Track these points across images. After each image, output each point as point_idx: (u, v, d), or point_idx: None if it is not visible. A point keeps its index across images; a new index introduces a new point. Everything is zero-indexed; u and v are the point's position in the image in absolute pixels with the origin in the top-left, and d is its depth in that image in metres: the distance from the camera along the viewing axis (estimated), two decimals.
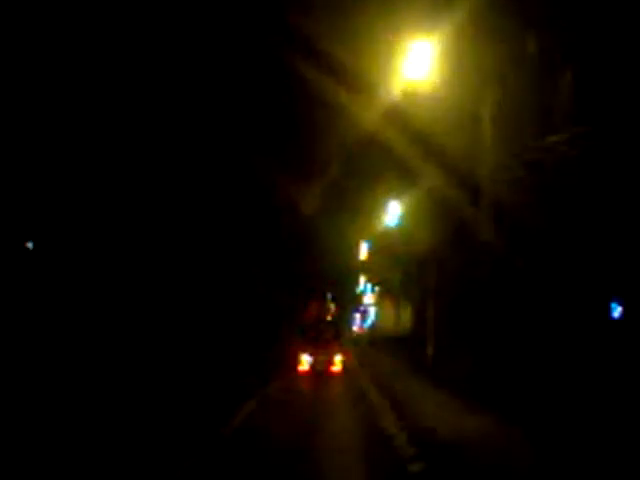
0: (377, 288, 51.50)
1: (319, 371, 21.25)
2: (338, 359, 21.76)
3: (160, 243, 23.52)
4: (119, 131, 20.77)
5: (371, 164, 25.94)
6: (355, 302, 60.97)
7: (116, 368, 15.40)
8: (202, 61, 22.13)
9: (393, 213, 26.89)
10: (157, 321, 21.81)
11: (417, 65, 14.20)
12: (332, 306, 25.25)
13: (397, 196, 26.17)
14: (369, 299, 57.45)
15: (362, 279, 57.85)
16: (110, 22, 18.74)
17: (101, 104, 19.90)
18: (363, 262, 46.00)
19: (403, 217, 26.16)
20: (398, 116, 19.02)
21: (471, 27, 14.50)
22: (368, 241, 38.97)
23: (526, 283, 16.40)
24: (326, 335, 22.83)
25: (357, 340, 49.43)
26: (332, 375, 21.06)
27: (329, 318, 24.24)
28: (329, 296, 25.83)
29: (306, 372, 21.26)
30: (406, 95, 15.41)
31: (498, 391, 14.00)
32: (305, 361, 21.68)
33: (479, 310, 17.17)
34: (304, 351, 21.90)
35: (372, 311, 55.38)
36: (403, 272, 30.88)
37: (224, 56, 22.60)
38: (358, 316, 64.59)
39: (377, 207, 28.53)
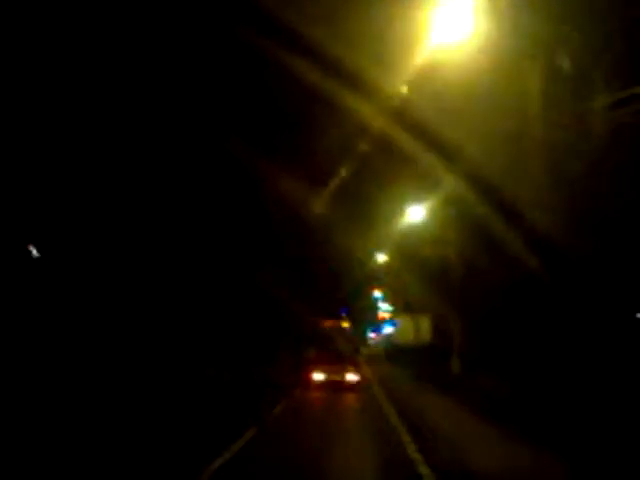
0: (392, 307, 49.84)
1: (333, 388, 19.18)
2: (354, 378, 19.67)
3: (155, 240, 22.35)
4: (113, 128, 19.73)
5: (385, 166, 23.87)
6: (370, 315, 59.08)
7: (98, 385, 14.47)
8: (206, 56, 20.79)
9: (412, 218, 24.97)
10: (150, 325, 20.69)
11: (445, 36, 11.84)
12: (347, 322, 23.39)
13: (416, 200, 24.22)
14: (385, 314, 55.62)
15: (378, 295, 56.20)
16: (99, 20, 17.57)
17: (93, 101, 18.87)
18: (378, 272, 44.16)
19: (423, 222, 24.28)
20: (412, 113, 16.98)
21: None
22: (384, 249, 37.10)
23: (562, 297, 14.68)
24: (341, 353, 20.62)
25: (372, 355, 47.54)
26: (347, 395, 18.89)
27: (344, 332, 22.10)
28: (343, 312, 23.95)
29: (318, 394, 19.03)
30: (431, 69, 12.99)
31: (540, 416, 12.21)
32: (317, 381, 19.61)
33: (516, 322, 15.22)
34: (315, 370, 19.81)
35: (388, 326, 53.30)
36: (422, 281, 28.91)
37: (228, 52, 21.16)
38: (374, 335, 63.39)
39: (393, 213, 26.60)
